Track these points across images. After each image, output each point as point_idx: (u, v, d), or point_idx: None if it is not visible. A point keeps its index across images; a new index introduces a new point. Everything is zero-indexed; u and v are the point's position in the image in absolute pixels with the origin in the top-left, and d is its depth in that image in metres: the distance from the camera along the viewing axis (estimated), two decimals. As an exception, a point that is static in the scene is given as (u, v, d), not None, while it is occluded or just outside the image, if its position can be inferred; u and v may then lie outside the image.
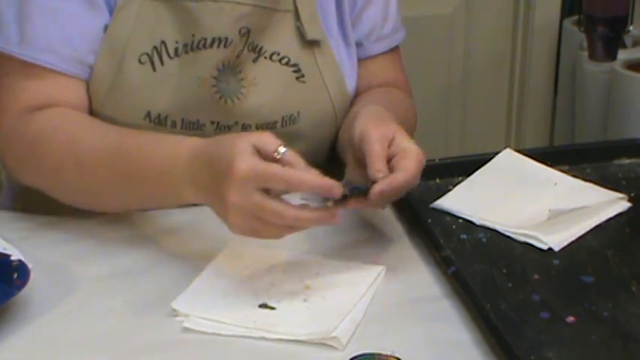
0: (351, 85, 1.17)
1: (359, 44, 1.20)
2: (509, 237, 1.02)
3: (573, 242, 1.01)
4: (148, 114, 1.09)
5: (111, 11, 1.08)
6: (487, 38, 2.30)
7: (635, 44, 2.05)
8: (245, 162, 0.88)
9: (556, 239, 1.01)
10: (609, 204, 1.08)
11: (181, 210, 1.08)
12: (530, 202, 1.08)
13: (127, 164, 0.99)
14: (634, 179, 1.16)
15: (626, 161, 1.19)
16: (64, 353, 0.87)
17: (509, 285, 0.94)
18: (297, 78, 1.13)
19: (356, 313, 0.91)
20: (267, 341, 0.87)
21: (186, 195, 0.96)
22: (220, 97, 1.10)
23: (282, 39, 1.12)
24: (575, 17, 2.01)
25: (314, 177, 0.89)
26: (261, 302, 0.92)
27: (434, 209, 1.07)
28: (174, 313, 0.91)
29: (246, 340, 0.88)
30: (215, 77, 1.09)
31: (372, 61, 1.21)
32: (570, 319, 0.88)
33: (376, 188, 0.92)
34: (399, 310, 0.92)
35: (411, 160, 0.95)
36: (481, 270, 0.96)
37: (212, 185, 0.91)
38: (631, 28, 1.65)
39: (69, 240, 1.05)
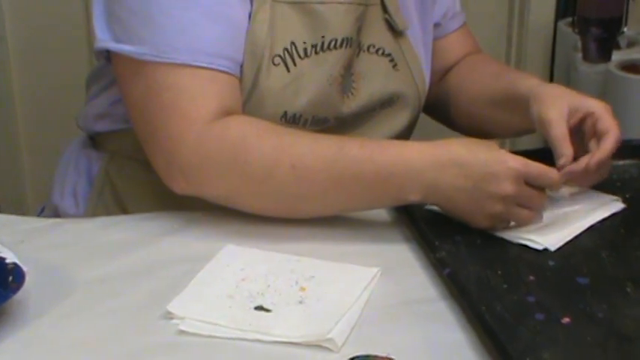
0: (426, 69, 1.24)
1: (436, 25, 1.29)
2: (503, 238, 1.02)
3: (568, 243, 1.02)
4: (285, 114, 1.10)
5: (249, 14, 1.08)
6: (482, 40, 2.29)
7: (629, 45, 2.05)
8: (517, 161, 1.00)
9: (552, 240, 1.01)
10: (604, 205, 1.08)
11: (177, 213, 1.08)
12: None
13: (350, 167, 1.01)
14: (628, 180, 1.16)
15: (621, 163, 1.20)
16: (60, 356, 0.87)
17: (505, 286, 0.94)
18: (393, 67, 1.19)
19: (351, 315, 0.91)
20: (262, 343, 0.87)
21: (412, 197, 1.02)
22: (342, 94, 1.14)
23: (375, 32, 1.17)
24: (570, 19, 2.01)
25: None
26: (256, 304, 0.92)
27: (429, 211, 1.07)
28: (170, 316, 0.91)
29: (241, 342, 0.88)
30: (342, 75, 1.13)
31: (448, 38, 1.31)
32: (565, 320, 0.88)
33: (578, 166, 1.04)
34: (394, 312, 0.92)
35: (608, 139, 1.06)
36: (476, 271, 0.96)
37: (470, 183, 0.99)
38: (625, 29, 1.65)
39: (66, 243, 1.05)
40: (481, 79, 1.26)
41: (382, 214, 1.09)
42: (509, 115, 1.19)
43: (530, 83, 1.14)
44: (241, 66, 1.08)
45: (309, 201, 1.03)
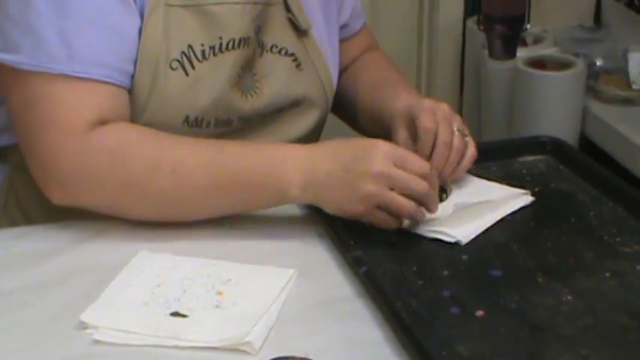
0: (333, 69, 1.24)
1: (344, 26, 1.30)
2: (418, 234, 1.03)
3: (480, 237, 1.03)
4: (186, 118, 1.10)
5: (141, 17, 1.06)
6: (393, 38, 2.32)
7: (535, 42, 2.09)
8: (387, 144, 1.01)
9: (462, 232, 1.02)
10: (513, 198, 1.11)
11: (87, 222, 1.06)
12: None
13: (229, 166, 1.02)
14: (537, 175, 1.18)
15: (530, 158, 1.22)
16: (-30, 372, 0.84)
17: (420, 282, 0.95)
18: (296, 66, 1.19)
19: (269, 317, 0.90)
20: (179, 349, 0.86)
21: (293, 191, 1.02)
22: (242, 94, 1.14)
23: (278, 31, 1.17)
24: (477, 17, 2.04)
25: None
26: (172, 310, 0.91)
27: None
28: (84, 326, 0.89)
29: (157, 349, 0.86)
30: (239, 75, 1.13)
31: (353, 37, 1.33)
32: (479, 313, 0.89)
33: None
34: (312, 312, 0.92)
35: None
36: (392, 269, 0.97)
37: (341, 166, 1.00)
38: (528, 26, 1.69)
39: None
40: (362, 88, 1.28)
41: (297, 213, 1.09)
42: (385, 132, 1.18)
43: (397, 106, 1.16)
44: (135, 73, 1.06)
45: (192, 203, 1.03)
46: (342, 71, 1.32)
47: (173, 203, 1.03)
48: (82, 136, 1.02)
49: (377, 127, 1.20)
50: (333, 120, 1.34)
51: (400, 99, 1.18)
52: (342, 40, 1.30)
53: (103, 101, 1.04)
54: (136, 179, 1.01)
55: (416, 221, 1.03)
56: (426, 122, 1.09)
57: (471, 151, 1.11)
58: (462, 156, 1.10)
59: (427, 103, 1.12)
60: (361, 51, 1.36)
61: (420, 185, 1.00)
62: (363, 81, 1.30)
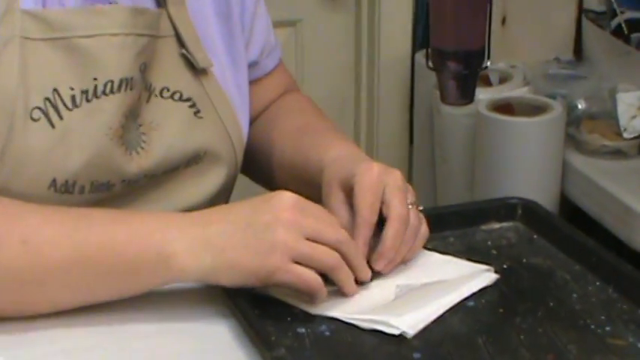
0: (242, 116, 1.26)
1: (254, 64, 1.33)
2: (355, 326, 1.03)
3: (434, 328, 1.03)
4: (54, 182, 1.10)
5: None
6: (323, 78, 2.34)
7: (501, 81, 2.13)
8: (290, 193, 1.05)
9: (408, 321, 1.02)
10: (474, 277, 1.11)
11: None
12: (373, 281, 1.10)
13: (96, 235, 1.02)
14: (506, 247, 1.20)
15: (496, 226, 1.24)
16: None
17: (360, 389, 0.95)
18: (194, 114, 1.20)
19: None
20: None
21: (181, 261, 1.02)
22: (126, 150, 1.14)
23: (169, 71, 1.18)
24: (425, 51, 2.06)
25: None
26: None
27: (260, 296, 1.07)
28: None
29: None
30: (122, 126, 1.12)
31: (265, 78, 1.36)
32: None
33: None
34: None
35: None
36: (325, 372, 0.97)
37: (241, 222, 1.03)
38: (489, 63, 1.71)
39: None
40: (280, 137, 1.31)
41: (203, 301, 1.09)
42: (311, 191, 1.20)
43: (328, 156, 1.18)
44: None
45: (49, 284, 1.02)
46: (254, 119, 1.34)
47: (24, 285, 1.02)
48: None
49: (301, 185, 1.21)
50: (244, 181, 1.34)
51: (332, 147, 1.19)
52: (251, 82, 1.32)
53: None
54: None
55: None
56: (369, 195, 1.10)
57: (425, 228, 1.13)
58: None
59: (375, 169, 1.12)
60: (277, 94, 1.39)
61: (338, 235, 1.04)
62: (282, 128, 1.32)
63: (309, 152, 1.22)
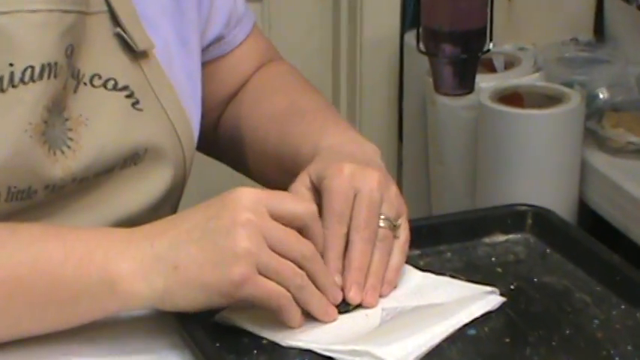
0: (192, 108, 1.26)
1: (219, 39, 1.35)
2: (332, 359, 1.03)
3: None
4: None
5: None
6: (298, 62, 2.35)
7: (508, 66, 2.13)
8: (247, 190, 1.05)
9: (396, 352, 1.02)
10: (475, 300, 1.11)
11: None
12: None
13: (25, 261, 1.03)
14: (513, 264, 1.20)
15: (502, 238, 1.24)
16: None
17: None
18: (132, 105, 1.19)
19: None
20: None
21: (126, 287, 1.02)
22: (49, 149, 1.13)
23: (101, 54, 1.17)
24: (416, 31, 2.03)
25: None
26: None
27: (220, 325, 1.06)
28: None
29: None
30: (44, 121, 1.12)
31: (235, 52, 1.38)
32: None
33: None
34: None
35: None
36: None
37: (197, 232, 1.03)
38: (491, 45, 1.70)
39: None
40: (261, 123, 1.32)
41: (161, 335, 1.09)
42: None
43: (322, 145, 1.20)
44: None
45: None
46: (228, 101, 1.35)
47: None
48: None
49: (289, 178, 1.20)
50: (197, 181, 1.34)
51: (324, 134, 1.21)
52: (221, 58, 1.33)
53: None
54: None
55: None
56: (337, 203, 1.11)
57: (404, 236, 1.14)
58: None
59: (346, 172, 1.12)
60: (253, 66, 1.40)
61: (303, 244, 1.05)
62: (264, 112, 1.33)
63: (299, 142, 1.24)
